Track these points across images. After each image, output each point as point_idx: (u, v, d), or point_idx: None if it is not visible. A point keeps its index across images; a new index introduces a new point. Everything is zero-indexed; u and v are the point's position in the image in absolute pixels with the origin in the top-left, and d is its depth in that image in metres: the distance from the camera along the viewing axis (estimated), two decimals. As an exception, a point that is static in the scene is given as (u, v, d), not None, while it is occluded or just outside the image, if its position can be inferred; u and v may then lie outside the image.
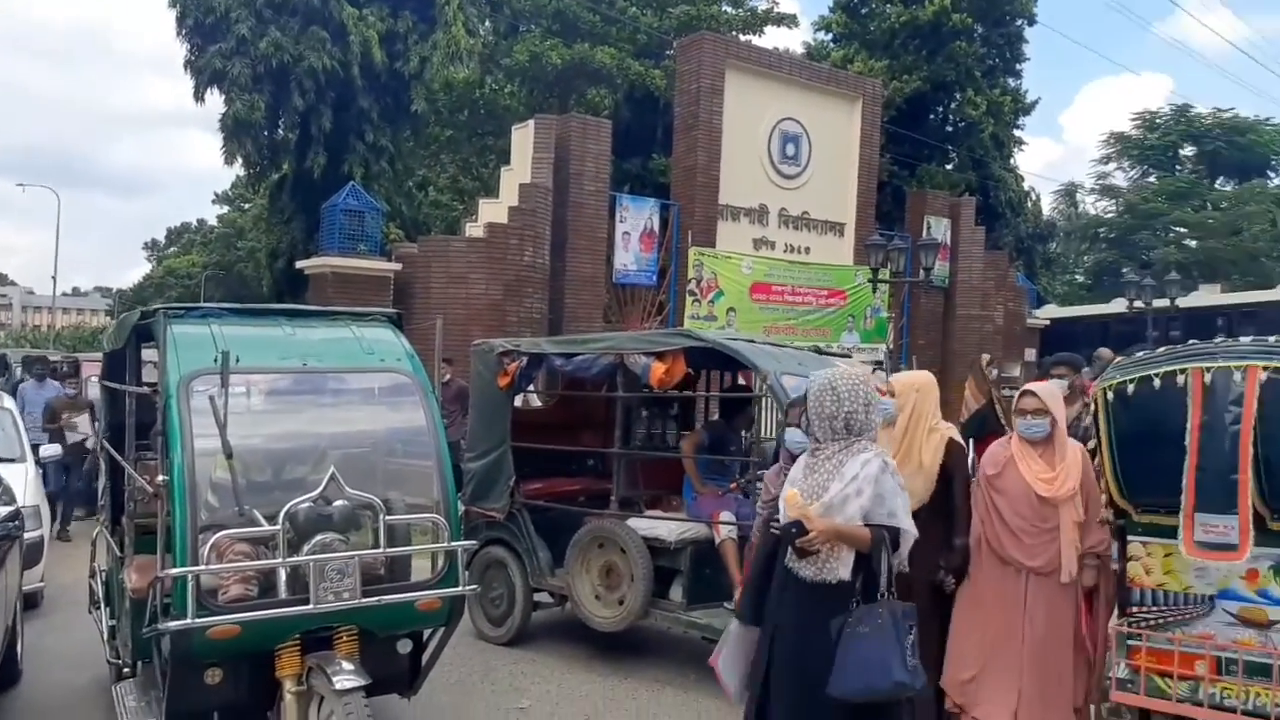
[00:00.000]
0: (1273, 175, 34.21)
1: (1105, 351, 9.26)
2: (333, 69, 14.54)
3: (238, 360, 3.59)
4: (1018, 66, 30.16)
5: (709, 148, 15.00)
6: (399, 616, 3.87)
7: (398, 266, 12.89)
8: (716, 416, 6.45)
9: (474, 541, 5.53)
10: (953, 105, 28.59)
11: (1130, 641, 4.19)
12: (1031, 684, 4.16)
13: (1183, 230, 32.17)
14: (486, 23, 24.08)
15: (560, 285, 13.69)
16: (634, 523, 5.78)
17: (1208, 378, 3.90)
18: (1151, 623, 4.16)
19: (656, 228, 14.83)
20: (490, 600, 6.33)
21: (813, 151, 16.45)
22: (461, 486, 6.43)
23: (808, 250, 16.76)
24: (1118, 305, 19.40)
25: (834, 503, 3.18)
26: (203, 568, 3.40)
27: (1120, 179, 36.26)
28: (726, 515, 5.54)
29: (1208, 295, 22.55)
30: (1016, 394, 4.41)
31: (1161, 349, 4.38)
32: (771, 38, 28.27)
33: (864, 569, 3.21)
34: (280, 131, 16.62)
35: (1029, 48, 28.92)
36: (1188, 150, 34.73)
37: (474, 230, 13.40)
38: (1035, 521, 4.17)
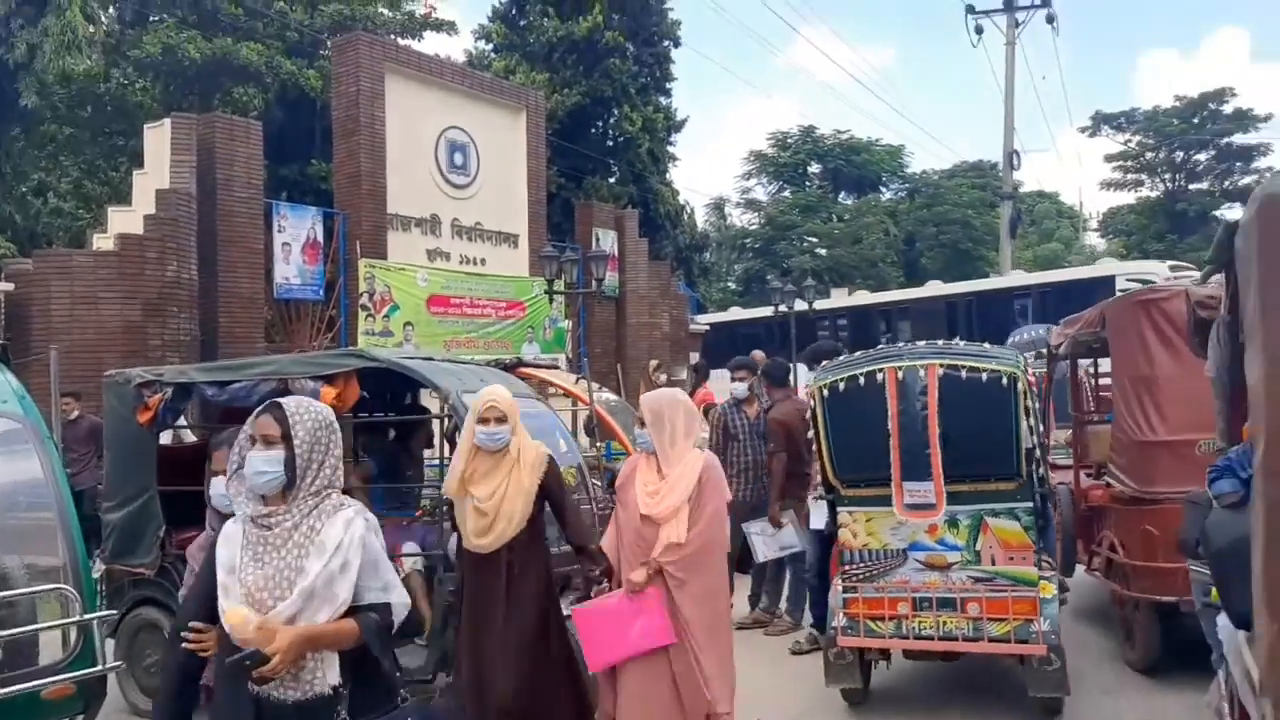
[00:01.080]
0: (884, 190, 39.23)
1: (758, 354, 9.98)
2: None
3: None
4: (668, 85, 32.00)
5: (373, 154, 14.33)
6: (22, 711, 3.20)
7: (9, 286, 11.02)
8: (391, 438, 6.05)
9: (113, 612, 4.76)
10: (611, 120, 29.72)
11: (845, 595, 5.03)
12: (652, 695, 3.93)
13: (814, 240, 35.90)
14: (110, 9, 21.45)
15: (213, 303, 12.41)
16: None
17: (900, 374, 4.86)
18: (860, 576, 5.03)
19: (321, 238, 13.91)
20: (145, 670, 5.50)
21: (481, 161, 16.29)
22: (101, 542, 5.57)
23: (483, 261, 16.56)
24: (766, 311, 21.38)
25: (317, 589, 2.35)
26: None
27: (761, 193, 39.83)
28: (409, 547, 5.20)
29: (862, 296, 25.40)
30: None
31: (858, 353, 5.28)
32: (431, 44, 27.65)
33: (358, 665, 2.47)
34: None
35: (676, 68, 30.69)
36: (815, 167, 38.87)
37: (103, 242, 11.77)
38: (642, 537, 3.97)
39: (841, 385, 4.99)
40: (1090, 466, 6.95)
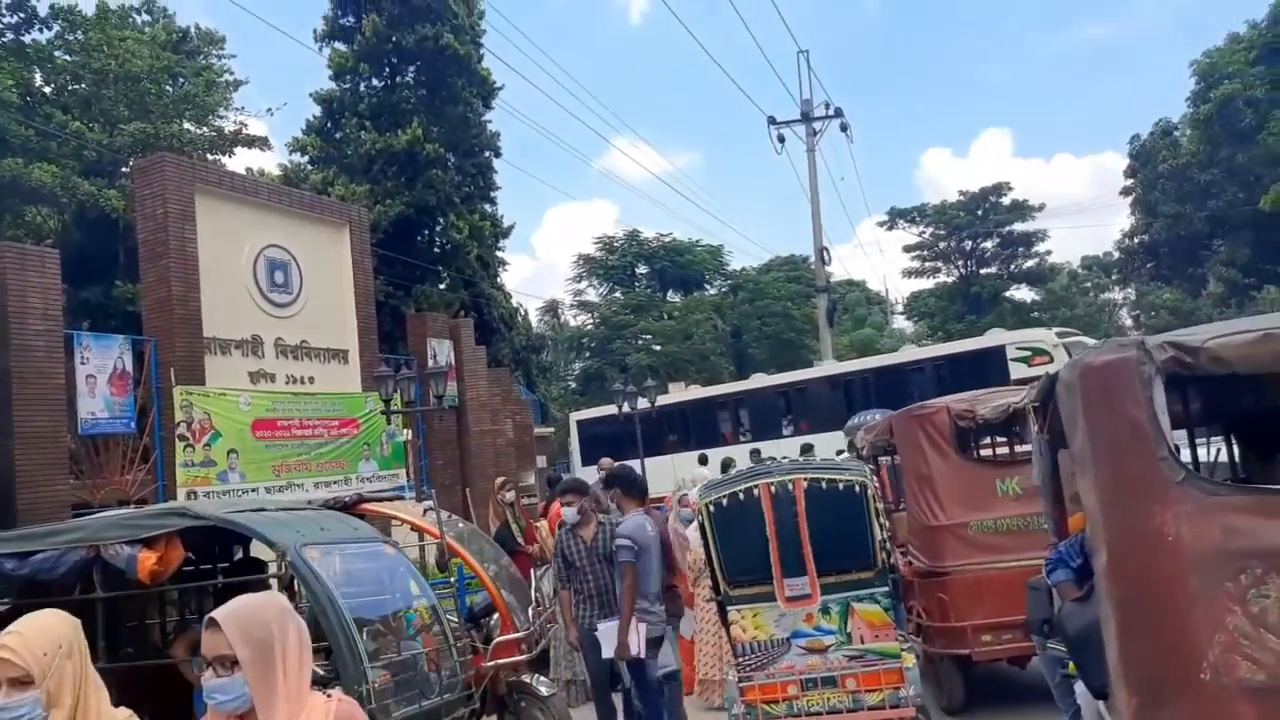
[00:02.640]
0: (709, 287, 40.64)
1: (606, 460, 9.93)
2: None
3: None
4: (492, 193, 32.32)
5: (185, 277, 13.56)
6: None
7: None
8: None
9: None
10: (438, 228, 29.62)
11: (741, 684, 5.64)
12: None
13: (648, 337, 36.62)
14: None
15: (8, 445, 11.22)
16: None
17: (773, 489, 5.65)
18: (753, 665, 5.68)
19: (130, 367, 12.93)
20: None
21: (304, 279, 15.72)
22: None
23: (312, 380, 15.84)
24: (610, 409, 21.44)
25: None
26: None
27: (593, 295, 40.48)
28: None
29: (761, 378, 25.69)
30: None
31: (734, 471, 6.36)
32: (244, 159, 26.84)
33: None
34: None
35: (499, 176, 31.11)
36: (642, 268, 39.95)
37: None
38: None
39: (725, 501, 5.75)
40: (902, 546, 7.78)
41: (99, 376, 12.49)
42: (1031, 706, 5.82)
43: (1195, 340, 2.83)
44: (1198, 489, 2.70)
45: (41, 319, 11.70)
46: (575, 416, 25.34)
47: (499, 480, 9.59)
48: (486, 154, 32.28)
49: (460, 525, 7.51)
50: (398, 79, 30.42)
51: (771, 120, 28.67)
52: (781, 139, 28.65)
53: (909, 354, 23.88)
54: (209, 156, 23.20)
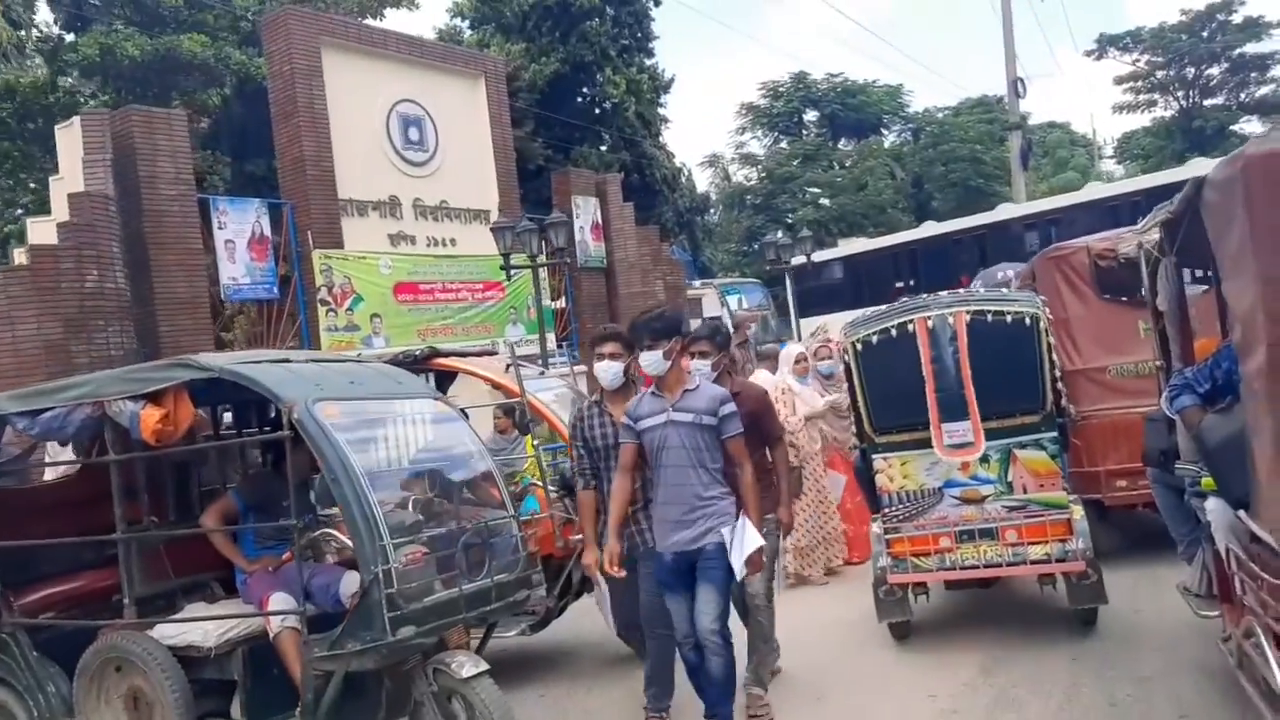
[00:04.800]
0: (886, 132, 37.63)
1: (740, 314, 8.87)
2: None
3: None
4: (650, 45, 30.71)
5: (316, 136, 13.21)
6: None
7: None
8: (266, 464, 4.94)
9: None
10: (596, 86, 28.53)
11: (888, 535, 5.31)
12: None
13: (816, 190, 34.46)
14: (42, 12, 20.39)
15: (150, 311, 11.38)
16: (161, 629, 4.21)
17: (930, 324, 5.20)
18: (901, 517, 5.33)
19: (268, 231, 12.83)
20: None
21: (439, 136, 15.12)
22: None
23: (454, 242, 15.45)
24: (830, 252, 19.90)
25: None
26: None
27: (757, 147, 38.31)
28: (279, 598, 4.13)
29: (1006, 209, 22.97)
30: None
31: (884, 306, 5.62)
32: (395, 23, 26.40)
33: None
34: None
35: (658, 26, 29.40)
36: (810, 115, 37.30)
37: (20, 257, 10.77)
38: None
39: (875, 339, 5.30)
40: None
41: (237, 241, 12.44)
42: (1168, 554, 5.08)
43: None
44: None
45: (173, 183, 11.62)
46: (794, 261, 23.42)
47: (595, 332, 8.60)
48: (643, 1, 30.59)
49: (561, 385, 6.71)
50: (551, -74, 28.98)
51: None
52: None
53: (1100, 189, 20.56)
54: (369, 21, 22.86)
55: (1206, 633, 4.43)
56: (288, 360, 4.33)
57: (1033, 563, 5.14)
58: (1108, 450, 6.31)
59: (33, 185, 22.59)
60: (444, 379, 6.48)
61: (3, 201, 21.80)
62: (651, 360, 4.24)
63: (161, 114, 12.16)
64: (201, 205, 12.16)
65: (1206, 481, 3.76)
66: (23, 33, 17.40)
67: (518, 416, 6.38)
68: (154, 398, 4.04)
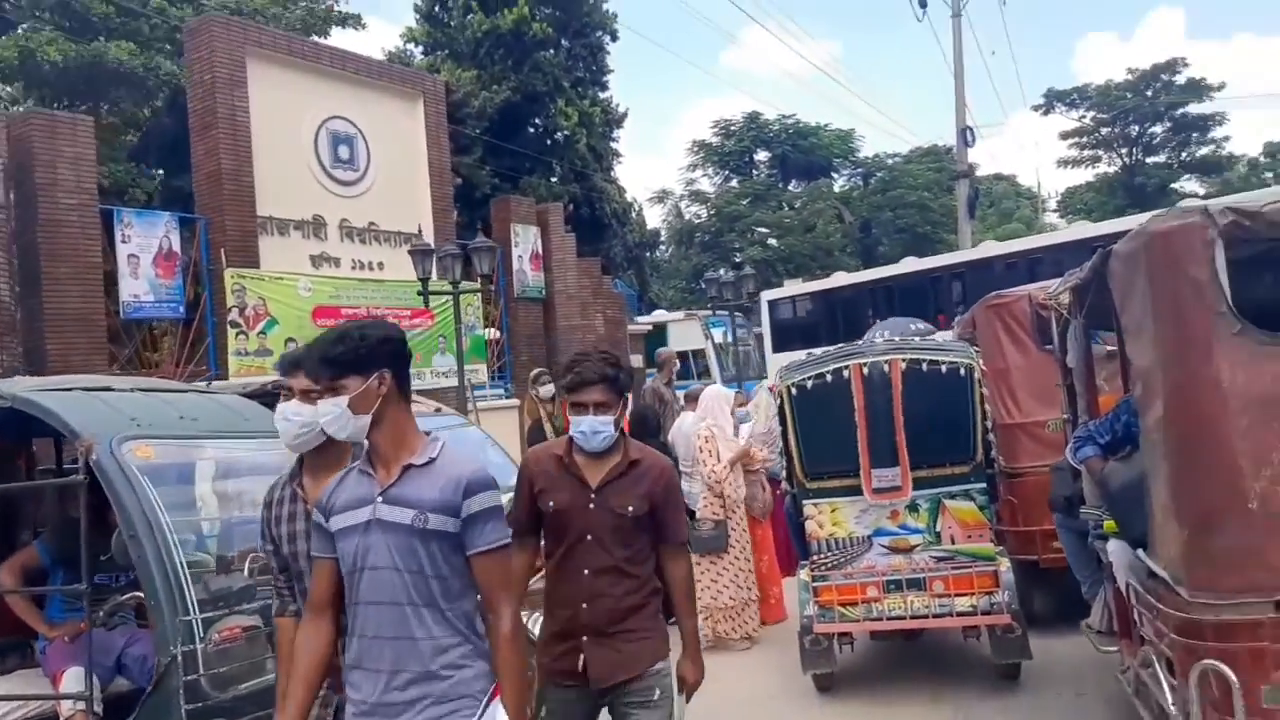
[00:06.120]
0: (836, 175, 37.77)
1: (663, 351, 8.43)
2: None
3: None
4: (604, 78, 30.55)
5: (235, 150, 12.52)
6: None
7: None
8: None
9: None
10: (547, 117, 28.24)
11: (816, 583, 5.28)
12: None
13: (765, 230, 34.37)
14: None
15: (38, 327, 10.55)
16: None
17: (865, 370, 5.19)
18: (829, 564, 5.29)
19: (177, 247, 12.07)
20: None
21: (371, 154, 14.51)
22: None
23: (381, 266, 14.78)
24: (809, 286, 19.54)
25: None
26: None
27: (707, 185, 38.21)
28: (73, 674, 3.46)
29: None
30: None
31: (819, 351, 5.63)
32: (341, 41, 25.81)
33: None
34: None
35: (615, 60, 29.31)
36: (761, 155, 37.33)
37: (-103, 265, 9.92)
38: None
39: (810, 384, 5.28)
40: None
41: (142, 256, 11.66)
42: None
43: (1254, 206, 3.00)
44: (1252, 339, 2.92)
45: (74, 193, 10.84)
46: (766, 295, 23.05)
47: (534, 372, 8.09)
48: (599, 34, 30.44)
49: (461, 422, 6.11)
50: (506, -46, 28.80)
51: (912, -23, 25.54)
52: (923, 3, 25.56)
53: (1087, 228, 19.89)
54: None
55: (1108, 667, 4.57)
56: (108, 388, 3.70)
57: (959, 614, 5.14)
58: (1045, 510, 5.95)
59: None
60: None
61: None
62: (332, 414, 2.47)
63: (66, 119, 11.41)
64: (105, 218, 11.38)
65: (1109, 524, 3.93)
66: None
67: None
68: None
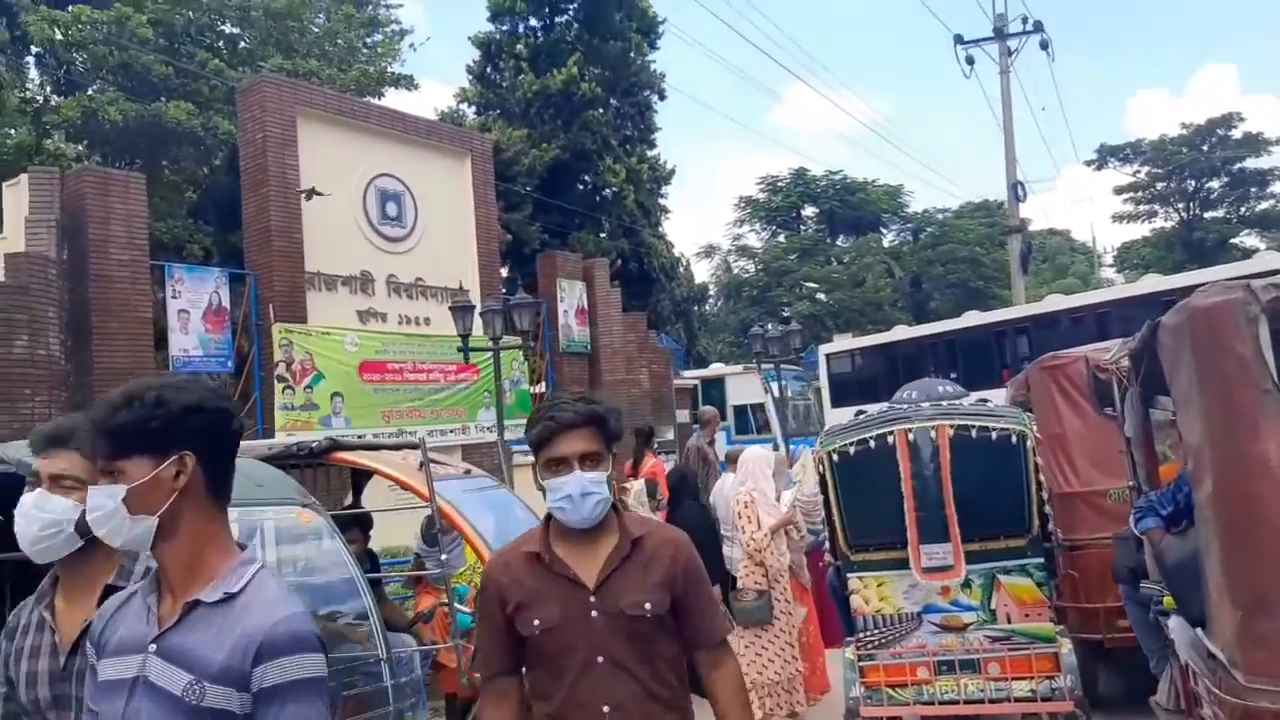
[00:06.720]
0: (884, 231, 37.57)
1: (707, 410, 8.23)
2: None
3: None
4: (652, 136, 30.86)
5: (286, 207, 12.68)
6: None
7: None
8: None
9: None
10: (596, 174, 28.56)
11: (863, 663, 4.95)
12: None
13: (813, 285, 34.16)
14: (34, 74, 20.24)
15: (87, 382, 10.65)
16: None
17: (911, 436, 4.86)
18: (876, 643, 4.97)
19: (226, 302, 12.19)
20: None
21: (419, 211, 14.62)
22: None
23: (428, 321, 14.80)
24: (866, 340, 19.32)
25: None
26: None
27: (754, 240, 38.21)
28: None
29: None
30: None
31: (861, 415, 5.22)
32: (394, 101, 26.37)
33: None
34: None
35: (663, 119, 29.62)
36: (809, 210, 37.28)
37: (-48, 319, 10.09)
38: None
39: (852, 450, 4.98)
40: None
41: (192, 311, 11.77)
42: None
43: (1300, 282, 2.88)
44: (1298, 417, 2.77)
45: (125, 248, 11.01)
46: (824, 349, 22.75)
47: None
48: (647, 93, 30.85)
49: (493, 485, 5.93)
50: (556, 18, 29.50)
51: (958, 39, 25.48)
52: (970, 61, 25.43)
53: (1158, 281, 18.93)
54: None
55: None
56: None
57: (1017, 700, 4.82)
58: (1108, 584, 5.59)
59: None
60: (361, 475, 5.74)
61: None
62: (102, 509, 1.76)
63: (119, 176, 11.64)
64: (157, 273, 11.54)
65: (1168, 600, 3.78)
66: (3, 92, 17.16)
67: (423, 526, 5.56)
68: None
